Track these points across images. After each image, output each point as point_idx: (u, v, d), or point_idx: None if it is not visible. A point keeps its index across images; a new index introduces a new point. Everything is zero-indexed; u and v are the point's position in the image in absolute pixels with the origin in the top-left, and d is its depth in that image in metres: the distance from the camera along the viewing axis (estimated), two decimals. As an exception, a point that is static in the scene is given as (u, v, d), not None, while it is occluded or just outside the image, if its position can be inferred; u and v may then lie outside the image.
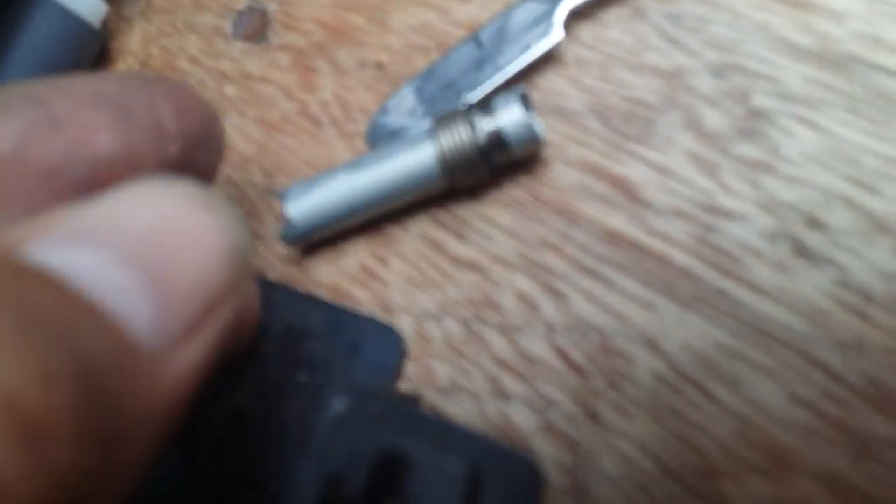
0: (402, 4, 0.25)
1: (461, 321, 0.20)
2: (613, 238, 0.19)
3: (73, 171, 0.12)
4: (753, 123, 0.19)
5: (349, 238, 0.22)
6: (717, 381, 0.17)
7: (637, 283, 0.18)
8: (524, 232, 0.20)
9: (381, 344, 0.13)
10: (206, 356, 0.10)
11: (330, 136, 0.24)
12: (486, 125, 0.19)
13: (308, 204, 0.21)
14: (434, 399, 0.19)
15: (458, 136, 0.19)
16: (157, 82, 0.14)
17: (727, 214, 0.18)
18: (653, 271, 0.18)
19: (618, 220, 0.19)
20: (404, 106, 0.23)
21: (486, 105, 0.20)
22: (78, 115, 0.13)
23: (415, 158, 0.20)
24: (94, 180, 0.13)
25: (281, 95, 0.26)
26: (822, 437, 0.15)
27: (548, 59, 0.22)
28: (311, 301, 0.14)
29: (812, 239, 0.17)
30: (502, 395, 0.18)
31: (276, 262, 0.23)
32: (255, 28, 0.28)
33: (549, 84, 0.22)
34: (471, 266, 0.20)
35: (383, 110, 0.23)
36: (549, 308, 0.19)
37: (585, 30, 0.22)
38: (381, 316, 0.20)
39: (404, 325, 0.20)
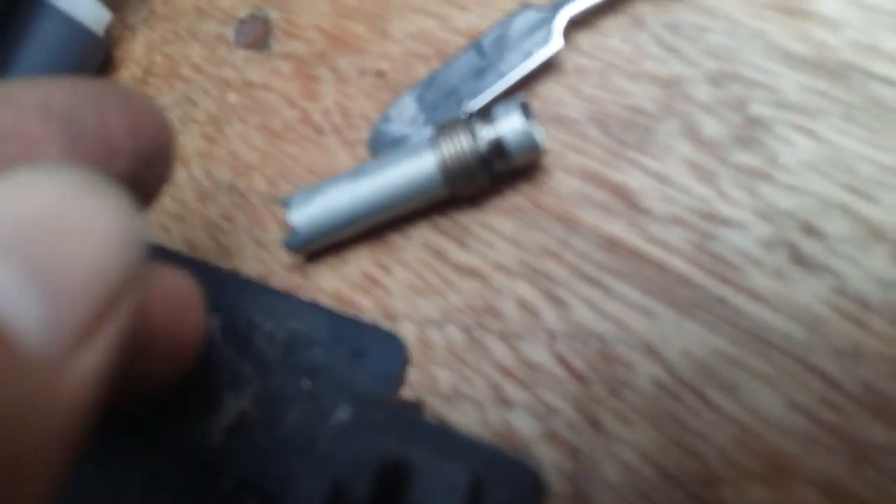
0: (402, 12, 0.26)
1: (463, 328, 0.20)
2: (613, 245, 0.19)
3: None
4: (751, 131, 0.19)
5: (351, 246, 0.22)
6: (717, 387, 0.17)
7: (636, 290, 0.18)
8: (525, 239, 0.20)
9: (384, 351, 0.14)
10: (110, 358, 0.09)
11: (332, 144, 0.24)
12: (486, 134, 0.20)
13: (311, 212, 0.21)
14: (437, 406, 0.19)
15: (459, 145, 0.20)
16: (109, 93, 0.13)
17: (725, 222, 0.18)
18: (652, 278, 0.18)
19: (617, 228, 0.19)
20: (406, 114, 0.23)
21: (486, 114, 0.20)
22: (23, 127, 0.12)
23: (416, 166, 0.20)
24: None
25: (283, 103, 0.26)
26: (820, 443, 0.16)
27: (547, 68, 0.22)
28: (314, 309, 0.14)
29: (809, 246, 0.17)
30: (504, 402, 0.18)
31: (280, 270, 0.23)
32: (257, 36, 0.28)
33: (549, 92, 0.22)
34: (472, 273, 0.20)
35: (385, 118, 0.23)
36: (550, 315, 0.19)
37: (584, 38, 0.22)
38: (384, 323, 0.20)
39: (407, 332, 0.20)
